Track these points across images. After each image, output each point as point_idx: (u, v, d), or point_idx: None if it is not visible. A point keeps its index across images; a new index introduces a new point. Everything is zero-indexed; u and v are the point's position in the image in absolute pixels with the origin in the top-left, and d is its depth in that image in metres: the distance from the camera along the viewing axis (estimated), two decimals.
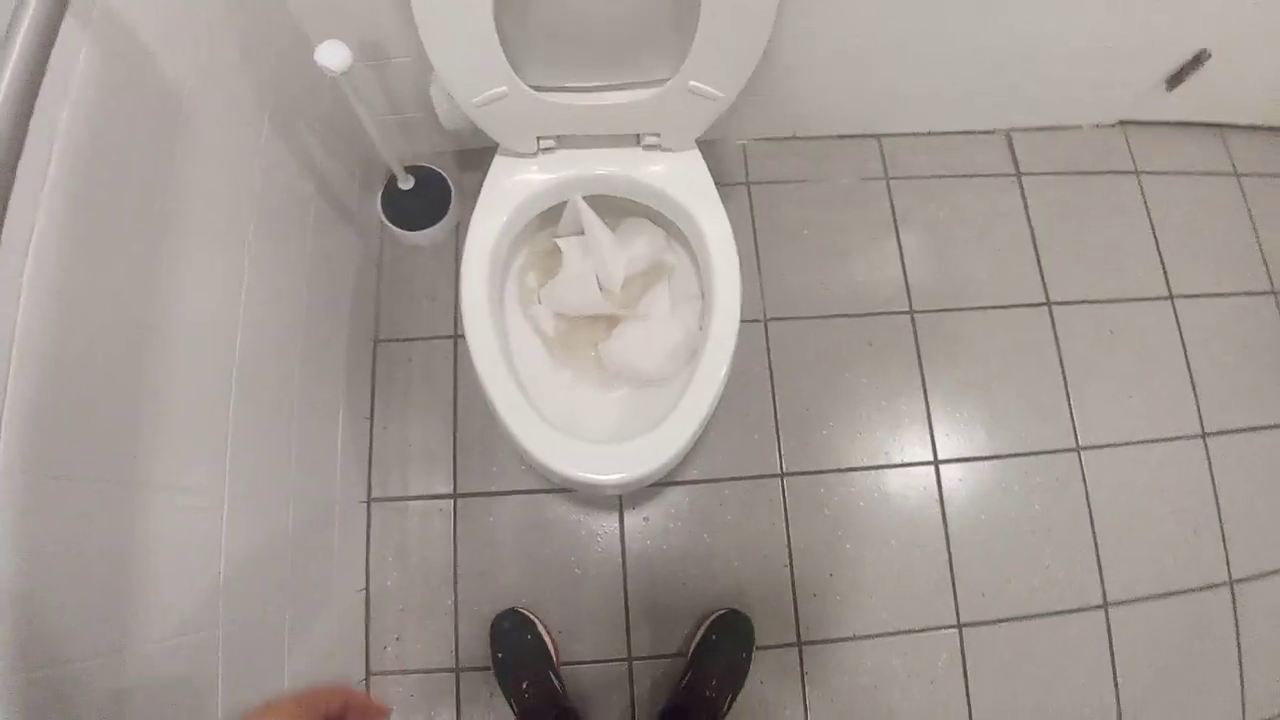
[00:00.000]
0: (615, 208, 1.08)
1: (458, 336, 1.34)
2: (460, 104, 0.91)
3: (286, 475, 0.97)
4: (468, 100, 0.90)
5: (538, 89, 0.90)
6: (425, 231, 1.33)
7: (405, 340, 1.34)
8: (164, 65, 0.71)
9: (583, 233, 1.06)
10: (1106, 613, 1.32)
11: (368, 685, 1.21)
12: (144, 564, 0.66)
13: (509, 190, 1.01)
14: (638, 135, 1.00)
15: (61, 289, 0.56)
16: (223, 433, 0.81)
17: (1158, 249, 1.52)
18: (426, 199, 1.33)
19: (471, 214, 1.00)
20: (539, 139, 0.98)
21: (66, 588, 0.57)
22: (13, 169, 0.44)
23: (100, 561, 0.62)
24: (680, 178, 1.01)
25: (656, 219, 1.09)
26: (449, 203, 1.34)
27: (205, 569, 0.78)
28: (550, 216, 1.09)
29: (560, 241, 1.08)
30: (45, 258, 0.54)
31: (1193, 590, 1.35)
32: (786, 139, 1.50)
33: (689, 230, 1.01)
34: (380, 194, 1.32)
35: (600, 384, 1.08)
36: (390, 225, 1.32)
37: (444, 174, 1.35)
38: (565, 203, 1.05)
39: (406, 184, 1.29)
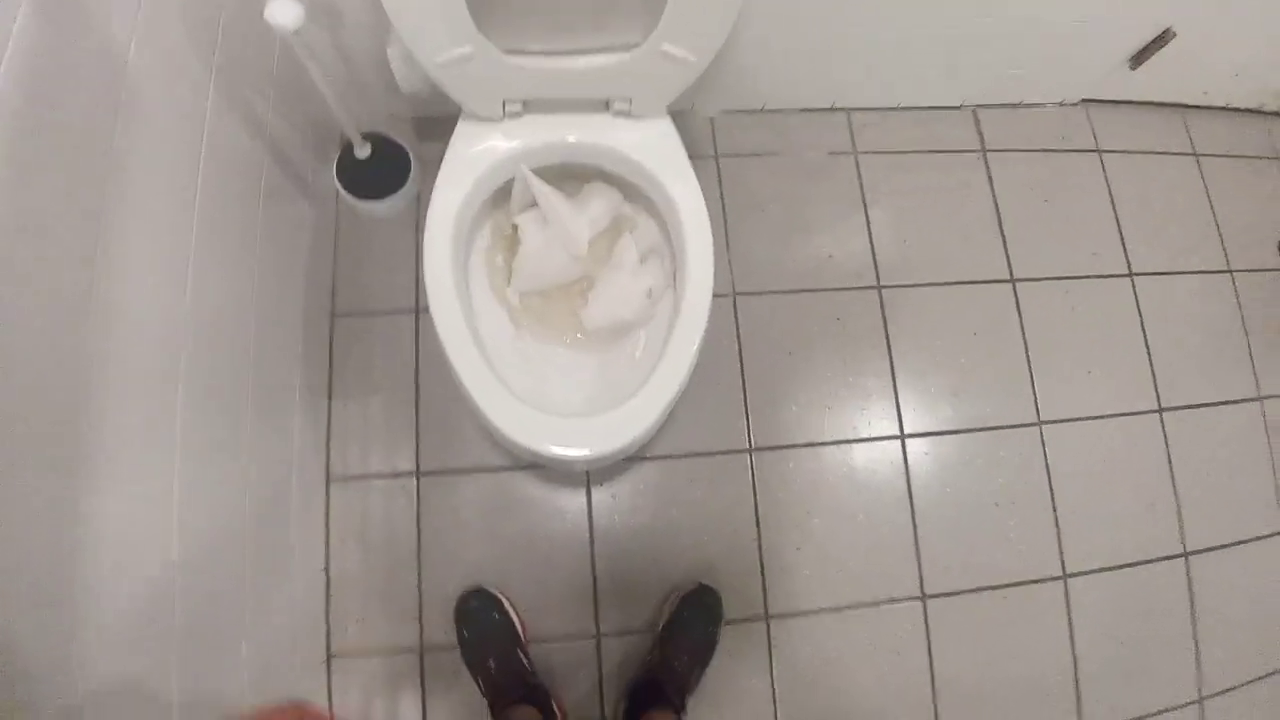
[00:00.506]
0: (569, 174, 1.05)
1: (419, 310, 1.30)
2: (422, 64, 0.86)
3: (241, 455, 0.93)
4: (430, 61, 0.86)
5: (505, 50, 0.86)
6: (383, 202, 1.28)
7: (364, 315, 1.29)
8: (104, 24, 0.66)
9: (535, 205, 1.03)
10: (1066, 584, 1.35)
11: (329, 667, 1.18)
12: (91, 554, 0.63)
13: (473, 157, 0.97)
14: (607, 101, 0.97)
15: None
16: (171, 413, 0.77)
17: (1118, 227, 1.55)
18: (384, 168, 1.28)
19: (433, 183, 0.96)
20: (505, 103, 0.94)
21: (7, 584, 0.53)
22: None
23: (42, 553, 0.58)
24: (651, 146, 0.98)
25: (616, 183, 1.06)
26: (408, 172, 1.29)
27: (157, 556, 0.74)
28: (506, 194, 1.05)
29: (517, 219, 1.04)
30: None
31: (1149, 561, 1.39)
32: (755, 111, 1.48)
33: (660, 200, 0.99)
34: (335, 162, 1.27)
35: (584, 349, 1.05)
36: (347, 195, 1.26)
37: (402, 143, 1.29)
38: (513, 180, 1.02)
39: (363, 151, 1.24)
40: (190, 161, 0.83)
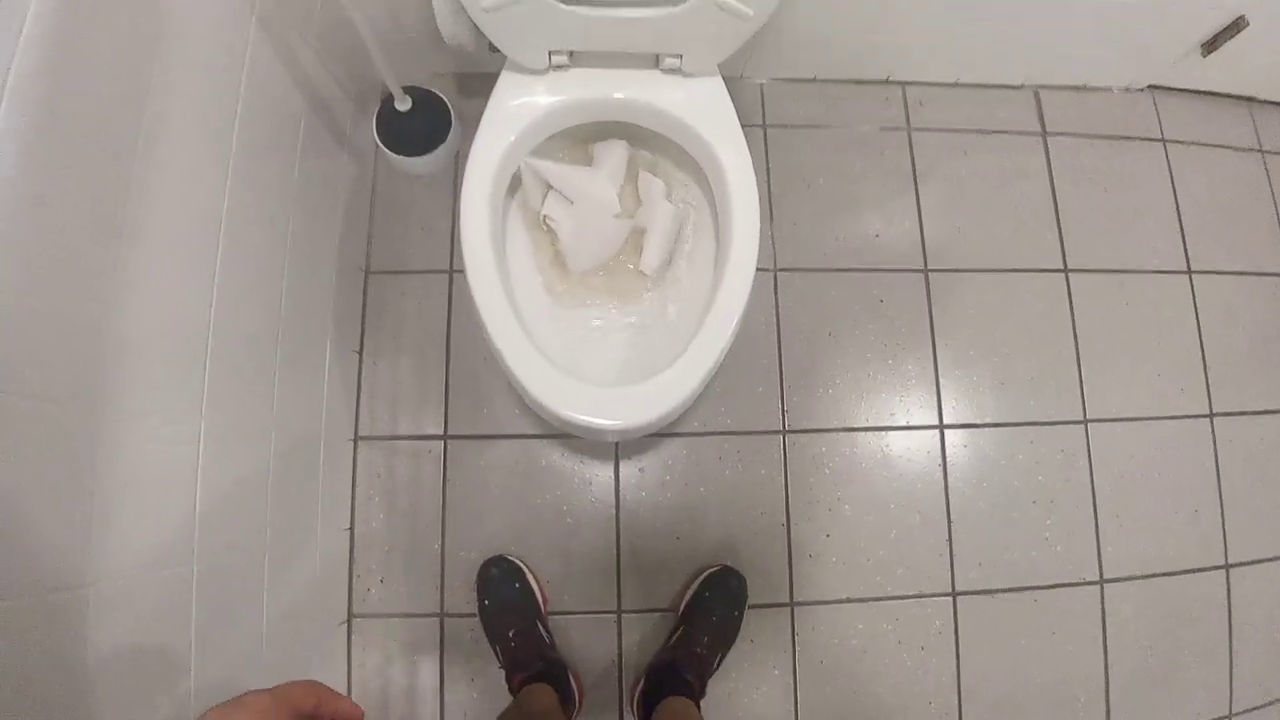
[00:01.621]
0: (605, 134, 1.02)
1: (454, 271, 1.28)
2: (468, 8, 0.83)
3: (269, 406, 0.92)
4: (477, 4, 0.82)
5: None
6: (423, 158, 1.25)
7: (398, 273, 1.27)
8: None
9: (552, 189, 1.00)
10: (1102, 589, 1.31)
11: (349, 627, 1.17)
12: (115, 492, 0.62)
13: (516, 111, 0.93)
14: (657, 56, 0.92)
15: (22, 187, 0.51)
16: (200, 358, 0.76)
17: (1179, 222, 1.48)
18: (425, 124, 1.25)
19: (473, 140, 0.93)
20: (551, 54, 0.91)
21: (27, 509, 0.52)
22: None
23: (68, 486, 0.57)
24: (701, 106, 0.94)
25: (660, 146, 1.03)
26: (448, 129, 1.26)
27: (180, 500, 0.73)
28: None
29: (543, 211, 1.00)
30: (4, 158, 0.49)
31: (1189, 571, 1.34)
32: (807, 81, 1.43)
33: (707, 165, 0.95)
34: (375, 116, 1.24)
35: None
36: (386, 150, 1.24)
37: (444, 98, 1.26)
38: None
39: (404, 105, 1.21)
40: (228, 106, 0.82)
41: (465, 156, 0.92)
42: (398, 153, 1.24)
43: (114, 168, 0.62)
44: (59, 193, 0.55)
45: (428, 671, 1.17)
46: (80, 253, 0.58)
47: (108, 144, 0.61)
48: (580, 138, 1.05)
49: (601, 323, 1.01)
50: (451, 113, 1.27)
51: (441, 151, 1.26)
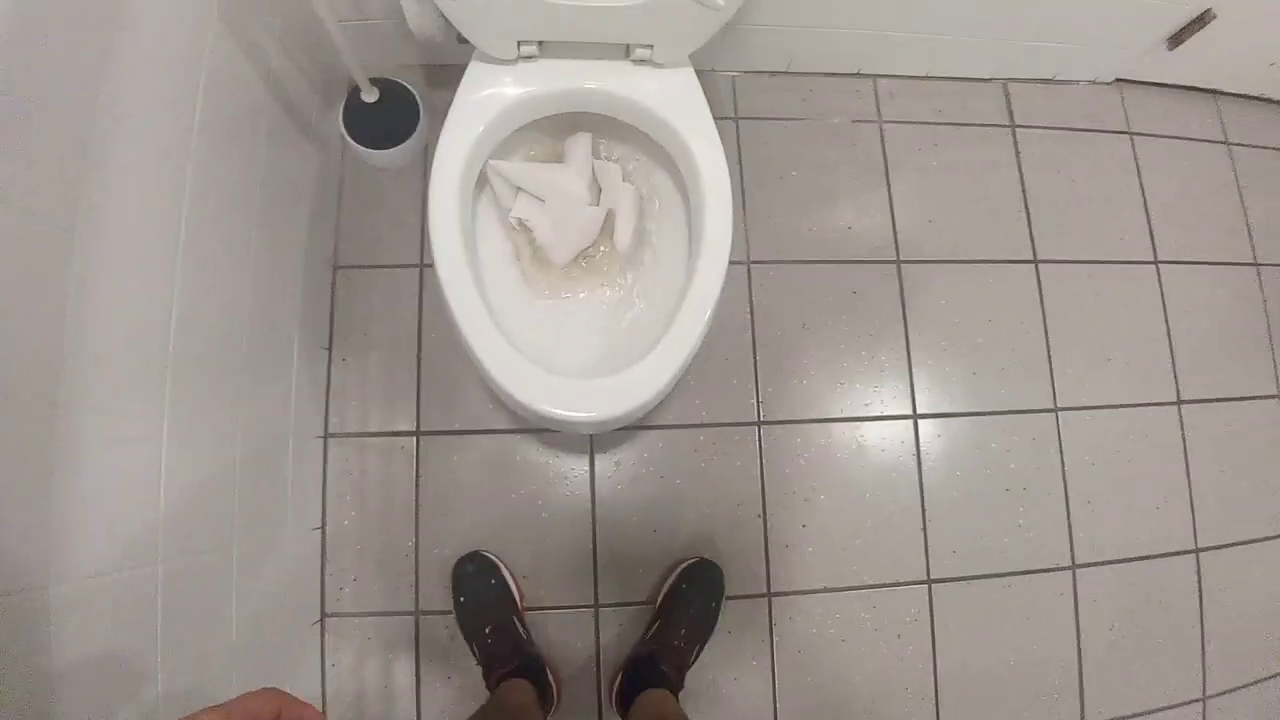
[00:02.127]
0: (546, 127, 1.02)
1: (424, 265, 1.26)
2: None
3: (234, 404, 0.90)
4: None
5: None
6: (390, 151, 1.23)
7: (367, 267, 1.25)
8: None
9: (521, 191, 1.00)
10: (1074, 574, 1.32)
11: (323, 627, 1.15)
12: (75, 492, 0.60)
13: (484, 102, 0.92)
14: (627, 47, 0.92)
15: None
16: (162, 354, 0.74)
17: (1146, 213, 1.50)
18: (392, 116, 1.23)
19: (441, 132, 0.91)
20: (519, 43, 0.90)
21: None
22: None
23: (26, 486, 0.56)
24: (672, 97, 0.93)
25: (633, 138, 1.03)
26: (416, 121, 1.24)
27: (143, 500, 0.71)
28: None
29: (515, 214, 0.99)
30: None
31: (1159, 556, 1.36)
32: (778, 73, 1.43)
33: (679, 155, 0.94)
34: (342, 108, 1.22)
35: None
36: (353, 143, 1.22)
37: (412, 89, 1.25)
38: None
39: (370, 96, 1.19)
40: (188, 96, 0.80)
41: (434, 149, 0.90)
42: (365, 145, 1.22)
43: (67, 157, 0.60)
44: (9, 183, 0.53)
45: (404, 670, 1.15)
46: (34, 247, 0.56)
47: (61, 133, 0.59)
48: (550, 130, 1.04)
49: (575, 314, 1.00)
50: (420, 105, 1.25)
51: (410, 144, 1.24)
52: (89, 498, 0.62)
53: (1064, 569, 1.32)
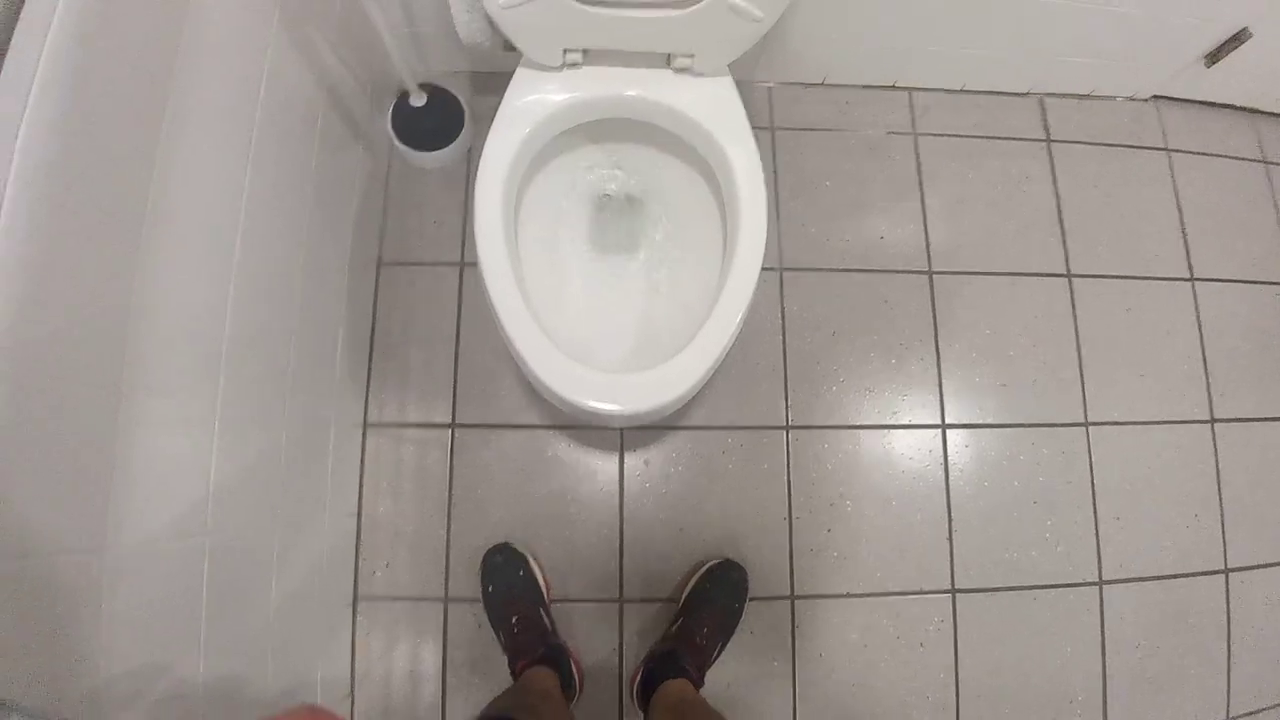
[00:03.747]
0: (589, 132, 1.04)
1: (464, 264, 1.30)
2: (485, 4, 0.86)
3: (282, 393, 0.94)
4: (493, 1, 0.85)
5: None
6: (436, 153, 1.28)
7: (410, 264, 1.30)
8: None
9: None
10: (1101, 590, 1.31)
11: (354, 609, 1.19)
12: (133, 466, 0.64)
13: (530, 106, 0.96)
14: (669, 56, 0.95)
15: (51, 174, 0.53)
16: (216, 344, 0.78)
17: (1182, 230, 1.49)
18: (438, 119, 1.28)
19: (487, 134, 0.95)
20: (565, 51, 0.93)
21: (47, 477, 0.54)
22: (2, 52, 0.44)
23: (89, 459, 0.59)
24: (710, 105, 0.96)
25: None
26: (461, 125, 1.29)
27: (195, 477, 0.75)
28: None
29: None
30: (34, 145, 0.51)
31: (1188, 575, 1.34)
32: (815, 85, 1.45)
33: (716, 162, 0.97)
34: (391, 111, 1.27)
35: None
36: (400, 144, 1.26)
37: (458, 95, 1.29)
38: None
39: (419, 100, 1.24)
40: (249, 98, 0.84)
41: (478, 152, 0.94)
42: (412, 147, 1.26)
43: (138, 156, 0.64)
44: (86, 179, 0.57)
45: (431, 655, 1.19)
46: (105, 239, 0.60)
47: (132, 133, 0.63)
48: (592, 134, 1.07)
49: (610, 312, 1.03)
50: (465, 110, 1.29)
51: (454, 147, 1.29)
52: (146, 472, 0.66)
53: (1091, 584, 1.31)
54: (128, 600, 0.63)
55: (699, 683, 1.09)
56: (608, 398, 0.86)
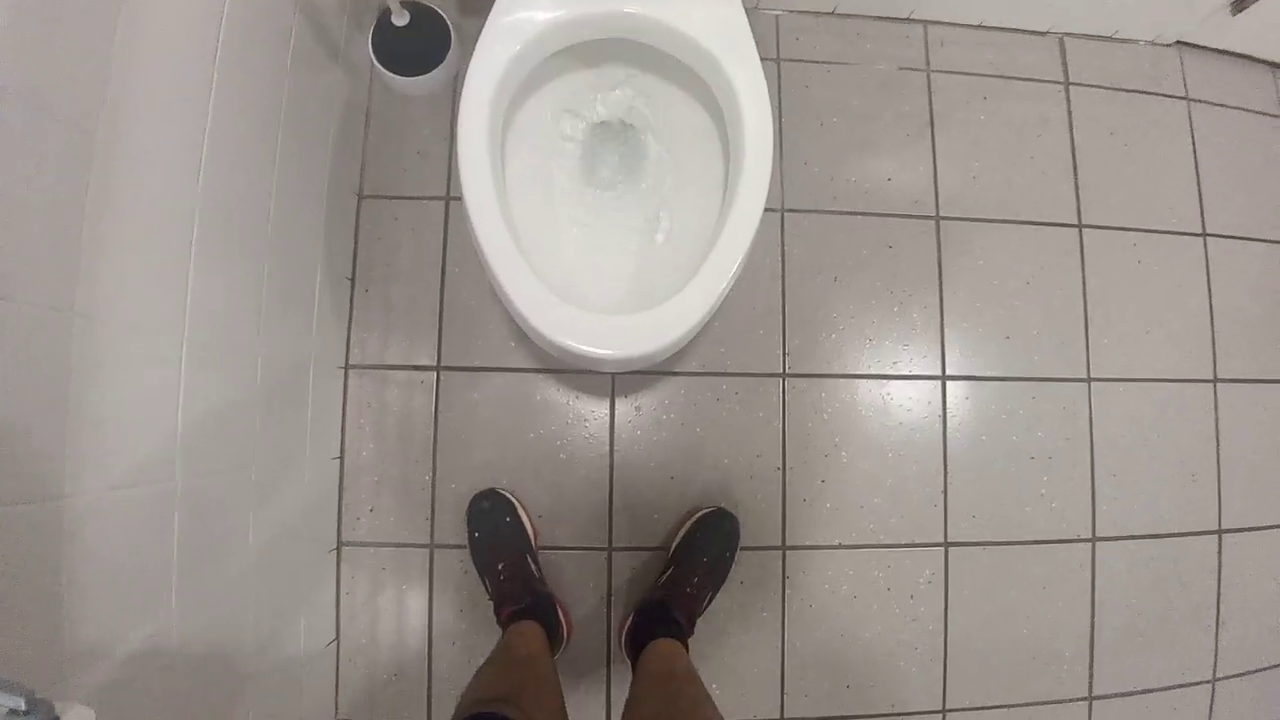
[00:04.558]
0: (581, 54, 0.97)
1: (450, 198, 1.23)
2: None
3: (256, 329, 0.89)
4: None
5: None
6: (420, 78, 1.20)
7: (392, 198, 1.23)
8: None
9: None
10: (1094, 547, 1.30)
11: (339, 555, 1.16)
12: (94, 407, 0.60)
13: (517, 24, 0.88)
14: None
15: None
16: (182, 271, 0.72)
17: (1198, 183, 1.44)
18: (423, 41, 1.19)
19: (472, 57, 0.88)
20: None
21: (11, 421, 0.50)
22: None
23: (46, 397, 0.55)
24: (715, 26, 0.89)
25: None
26: (447, 48, 1.20)
27: (162, 418, 0.71)
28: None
29: None
30: None
31: (1182, 535, 1.33)
32: (825, 14, 1.37)
33: (720, 90, 0.90)
34: (371, 31, 1.18)
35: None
36: (381, 68, 1.18)
37: (444, 15, 1.20)
38: None
39: (401, 19, 1.15)
40: (213, 9, 0.76)
41: (464, 77, 0.87)
42: (394, 71, 1.18)
43: (90, 60, 0.58)
44: (30, 82, 0.51)
45: (417, 601, 1.17)
46: (53, 147, 0.54)
47: (83, 38, 0.57)
48: (584, 57, 1.00)
49: (605, 247, 0.98)
50: (451, 31, 1.21)
51: (439, 72, 1.21)
52: (109, 413, 0.62)
53: (1084, 541, 1.30)
54: (92, 548, 0.60)
55: (689, 631, 1.08)
56: (599, 342, 0.82)
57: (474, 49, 0.88)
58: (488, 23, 0.89)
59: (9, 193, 0.50)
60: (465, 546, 1.15)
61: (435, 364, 1.20)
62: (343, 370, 1.19)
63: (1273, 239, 1.44)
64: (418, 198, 1.23)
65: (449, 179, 1.23)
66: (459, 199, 0.83)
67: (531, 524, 1.15)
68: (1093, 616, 1.30)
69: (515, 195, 0.96)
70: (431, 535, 1.17)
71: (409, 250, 1.22)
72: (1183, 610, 1.32)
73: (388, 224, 1.22)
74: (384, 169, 1.24)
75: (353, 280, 1.21)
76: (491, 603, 1.09)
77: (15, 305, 0.51)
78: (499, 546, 1.11)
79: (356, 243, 1.22)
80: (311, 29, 1.04)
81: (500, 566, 1.09)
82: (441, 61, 1.20)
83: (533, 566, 1.11)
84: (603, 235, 0.99)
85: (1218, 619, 1.33)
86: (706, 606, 1.14)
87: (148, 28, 0.64)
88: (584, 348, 0.82)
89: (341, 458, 1.18)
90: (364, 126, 1.24)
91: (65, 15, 0.54)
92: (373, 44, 1.18)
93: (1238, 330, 1.40)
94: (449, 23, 1.21)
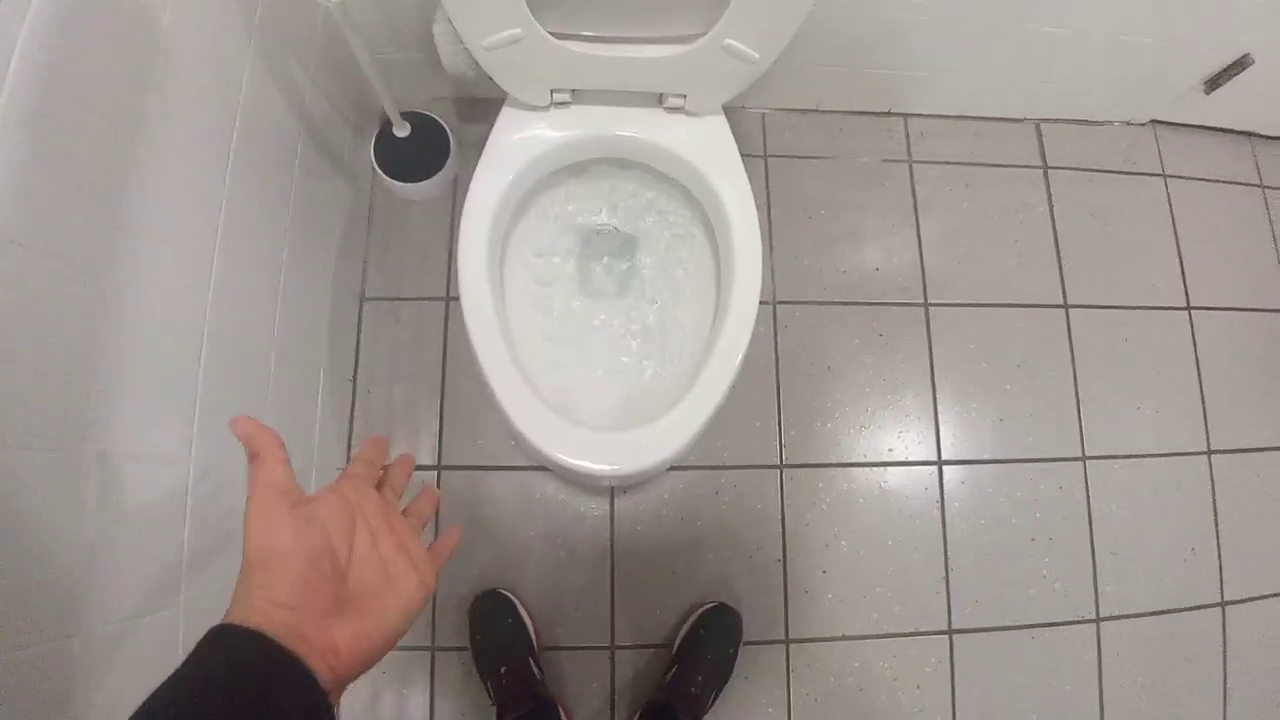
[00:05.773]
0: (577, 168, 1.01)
1: (450, 299, 1.26)
2: (469, 46, 0.82)
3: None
4: (477, 42, 0.81)
5: (556, 35, 0.81)
6: (420, 184, 1.24)
7: (394, 300, 1.26)
8: None
9: None
10: (1099, 627, 1.29)
11: None
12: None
13: (517, 145, 0.92)
14: (660, 95, 0.91)
15: (18, 210, 0.50)
16: (192, 376, 0.74)
17: (1179, 257, 1.47)
18: (423, 149, 1.24)
19: (473, 169, 0.91)
20: (552, 91, 0.90)
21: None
22: None
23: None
24: (703, 145, 0.93)
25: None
26: (447, 154, 1.25)
27: (172, 532, 0.71)
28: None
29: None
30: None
31: (1185, 609, 1.33)
32: (809, 111, 1.42)
33: (709, 204, 0.94)
34: (373, 141, 1.23)
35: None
36: (383, 175, 1.22)
37: (443, 123, 1.25)
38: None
39: (402, 131, 1.20)
40: (224, 127, 0.80)
41: (463, 182, 0.90)
42: (396, 178, 1.22)
43: (109, 178, 0.61)
44: (55, 202, 0.54)
45: (418, 706, 1.15)
46: (72, 278, 0.57)
47: (102, 157, 0.60)
48: (580, 171, 1.04)
49: (598, 355, 1.00)
50: (450, 139, 1.25)
51: (439, 178, 1.25)
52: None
53: (1088, 621, 1.29)
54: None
55: None
56: (595, 457, 0.83)
57: (474, 156, 0.91)
58: (488, 144, 0.93)
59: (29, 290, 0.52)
60: (467, 648, 1.14)
61: (436, 464, 1.21)
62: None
63: (1255, 307, 1.47)
64: (419, 299, 1.26)
65: (449, 279, 1.26)
66: (459, 299, 0.86)
67: (533, 624, 1.14)
68: (1101, 697, 1.28)
69: (512, 306, 0.99)
70: (433, 638, 1.16)
71: (410, 350, 1.24)
72: (1191, 685, 1.30)
73: (389, 324, 1.25)
74: (386, 271, 1.27)
75: (354, 382, 1.22)
76: (494, 708, 1.08)
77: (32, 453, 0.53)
78: (501, 649, 1.10)
79: (359, 343, 1.24)
80: (316, 142, 1.08)
81: (502, 670, 1.08)
82: (441, 168, 1.24)
83: (535, 669, 1.10)
84: (598, 343, 1.01)
85: (1225, 692, 1.31)
86: (712, 705, 1.12)
87: (163, 143, 0.67)
88: (582, 464, 0.82)
89: None
90: (367, 231, 1.28)
91: (83, 147, 0.57)
92: (375, 153, 1.22)
93: (1228, 400, 1.41)
94: (448, 130, 1.25)
